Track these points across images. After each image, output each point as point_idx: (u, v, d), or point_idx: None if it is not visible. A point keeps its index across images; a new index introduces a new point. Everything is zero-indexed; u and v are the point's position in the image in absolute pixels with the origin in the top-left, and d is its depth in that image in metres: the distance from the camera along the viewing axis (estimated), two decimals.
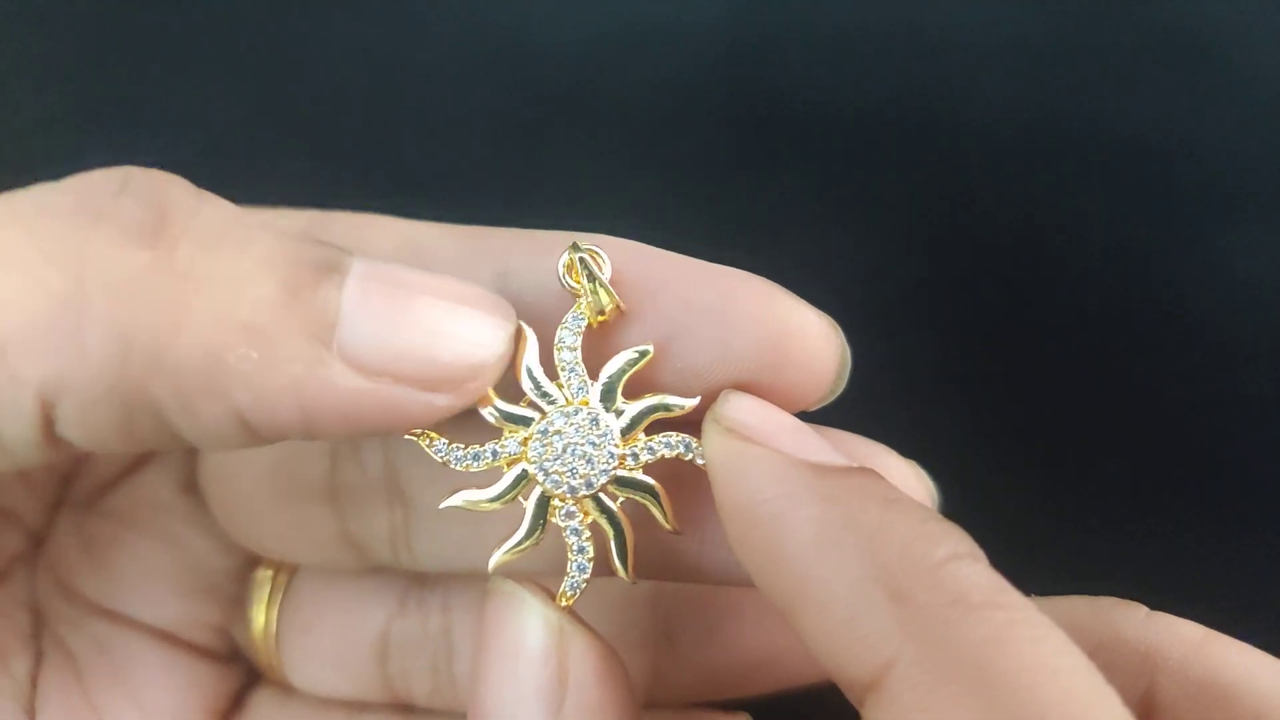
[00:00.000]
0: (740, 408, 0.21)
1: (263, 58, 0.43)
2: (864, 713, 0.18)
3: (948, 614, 0.17)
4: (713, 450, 0.20)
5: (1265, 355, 0.39)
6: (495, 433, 0.22)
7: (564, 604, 0.22)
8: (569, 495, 0.22)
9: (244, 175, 0.43)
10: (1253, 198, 0.39)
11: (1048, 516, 0.39)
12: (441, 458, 0.22)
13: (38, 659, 0.26)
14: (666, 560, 0.24)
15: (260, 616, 0.28)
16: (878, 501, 0.19)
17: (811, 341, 0.22)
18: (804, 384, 0.22)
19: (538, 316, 0.22)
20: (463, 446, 0.22)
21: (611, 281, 0.22)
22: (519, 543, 0.22)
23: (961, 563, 0.18)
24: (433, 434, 0.22)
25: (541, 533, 0.22)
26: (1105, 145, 0.40)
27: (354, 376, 0.19)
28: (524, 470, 0.22)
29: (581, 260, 0.21)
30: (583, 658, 0.21)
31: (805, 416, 0.23)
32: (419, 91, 0.42)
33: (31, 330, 0.18)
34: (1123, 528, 0.39)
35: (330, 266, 0.20)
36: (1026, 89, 0.40)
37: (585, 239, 0.22)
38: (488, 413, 0.22)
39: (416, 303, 0.20)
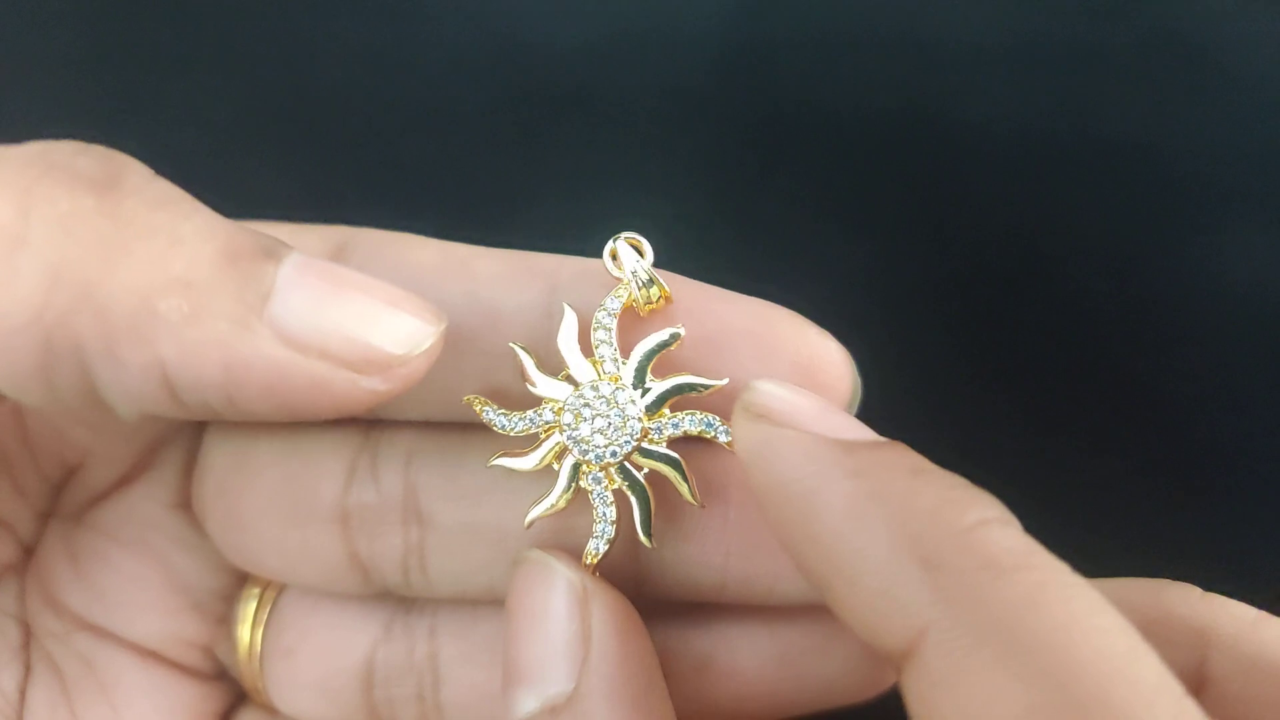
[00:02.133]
0: (767, 394, 0.21)
1: (264, 57, 0.43)
2: (902, 681, 0.18)
3: (979, 578, 0.17)
4: (743, 436, 0.21)
5: (1267, 355, 0.39)
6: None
7: (589, 563, 0.24)
8: (596, 462, 0.24)
9: (244, 174, 0.43)
10: (1251, 199, 0.39)
11: (1046, 515, 0.39)
12: (488, 419, 0.24)
13: (26, 672, 0.26)
14: (655, 573, 0.25)
15: (246, 636, 0.28)
16: (905, 472, 0.19)
17: (833, 369, 0.23)
18: None
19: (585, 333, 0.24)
20: (506, 413, 0.24)
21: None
22: (552, 504, 0.24)
23: (991, 527, 0.18)
24: (485, 400, 0.24)
25: (570, 495, 0.24)
26: (1104, 146, 0.40)
27: (281, 346, 0.20)
28: (558, 440, 0.24)
29: (625, 248, 0.23)
30: (605, 615, 0.22)
31: None
32: (420, 92, 0.42)
33: None
34: (1122, 526, 0.39)
35: (270, 250, 0.20)
36: (1025, 90, 0.40)
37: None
38: (527, 385, 0.24)
39: (349, 291, 0.20)
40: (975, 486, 0.19)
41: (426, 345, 0.21)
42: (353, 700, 0.27)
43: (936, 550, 0.18)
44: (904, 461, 0.20)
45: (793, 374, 0.23)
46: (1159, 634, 0.21)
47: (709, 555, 0.24)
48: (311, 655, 0.27)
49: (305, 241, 0.25)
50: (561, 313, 0.24)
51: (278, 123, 0.43)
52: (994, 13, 0.40)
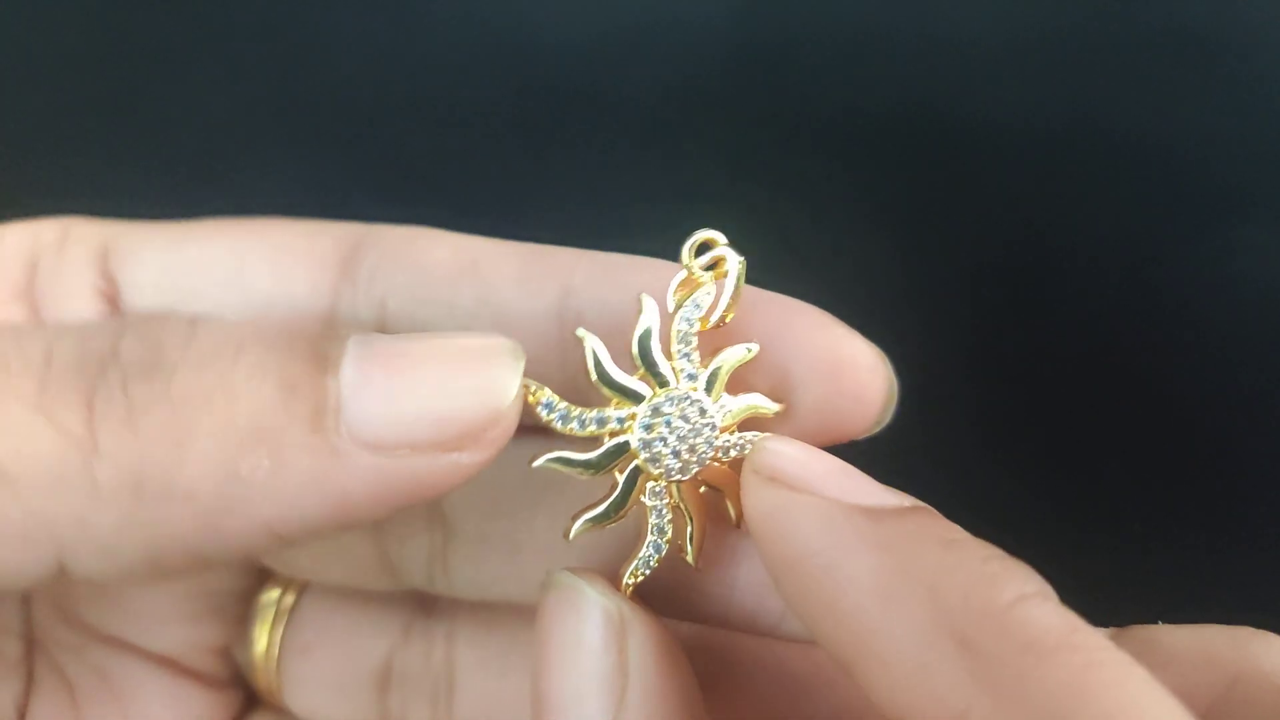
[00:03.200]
0: (780, 454, 0.20)
1: (265, 56, 0.43)
2: None
3: (1020, 661, 0.16)
4: (755, 503, 0.20)
5: (1272, 355, 0.39)
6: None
7: (632, 580, 0.22)
8: (665, 476, 0.22)
9: (244, 174, 0.43)
10: (1259, 198, 0.39)
11: (1049, 514, 0.39)
12: (546, 416, 0.22)
13: (28, 688, 0.26)
14: (694, 602, 0.24)
15: (263, 637, 0.27)
16: (936, 545, 0.18)
17: (862, 370, 0.22)
18: (854, 412, 0.22)
19: (599, 335, 0.22)
20: (570, 407, 0.22)
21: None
22: (604, 514, 0.22)
23: (1030, 603, 0.17)
24: (543, 387, 0.22)
25: (628, 508, 0.22)
26: (1110, 145, 0.40)
27: (370, 456, 0.19)
28: (625, 442, 0.22)
29: (731, 257, 0.22)
30: (643, 647, 0.21)
31: (849, 445, 0.22)
32: (423, 89, 0.42)
33: (45, 472, 0.18)
34: (1126, 526, 0.39)
35: (324, 354, 0.19)
36: (1036, 87, 0.40)
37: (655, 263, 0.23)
38: (600, 377, 0.22)
39: (416, 367, 0.19)
40: (1010, 557, 0.18)
41: (512, 393, 0.20)
42: (366, 701, 0.27)
43: (974, 630, 0.17)
44: (934, 531, 0.18)
45: (815, 377, 0.21)
46: (1244, 693, 0.20)
47: (713, 585, 0.23)
48: (330, 653, 0.27)
49: (321, 241, 0.24)
50: (578, 316, 0.22)
51: (279, 121, 0.42)
52: (1005, 9, 0.40)
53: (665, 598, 0.23)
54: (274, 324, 0.20)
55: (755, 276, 0.23)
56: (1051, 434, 0.40)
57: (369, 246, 0.24)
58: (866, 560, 0.18)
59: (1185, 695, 0.19)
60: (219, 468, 0.18)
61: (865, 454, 0.22)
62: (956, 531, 0.19)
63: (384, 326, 0.24)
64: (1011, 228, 0.40)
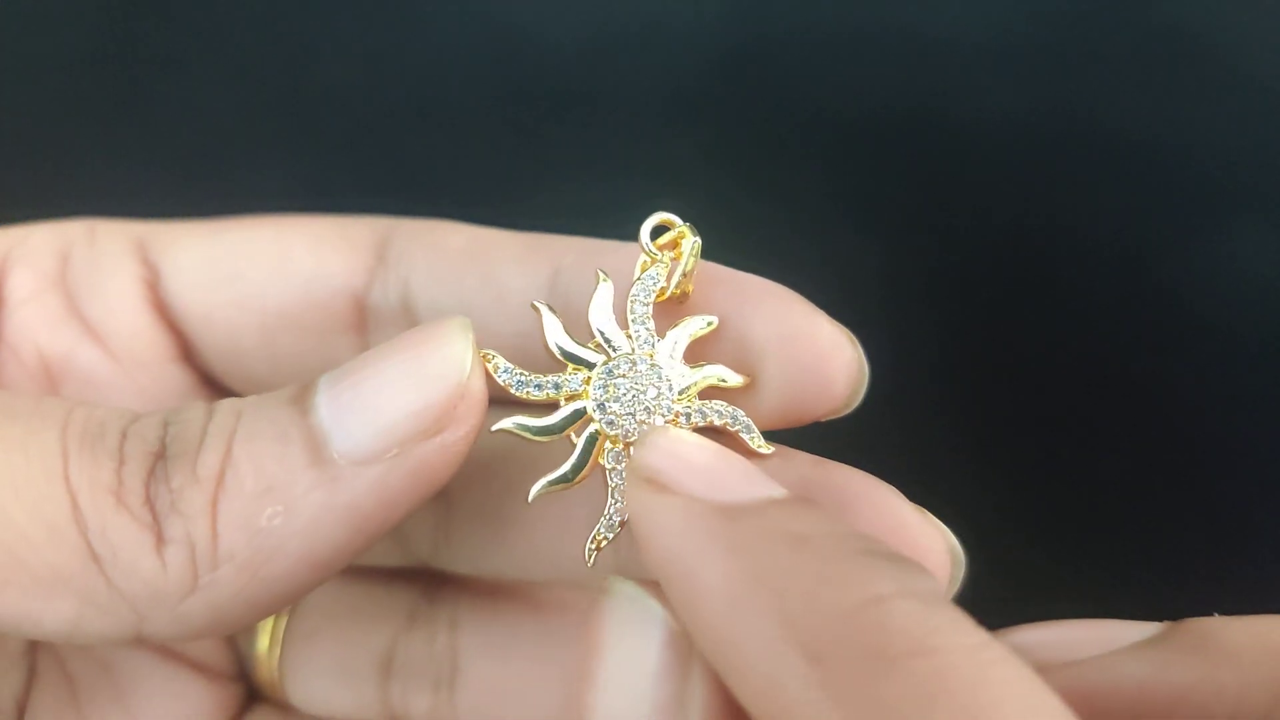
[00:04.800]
0: (654, 449, 0.19)
1: (263, 57, 0.43)
2: None
3: (866, 670, 0.15)
4: (631, 504, 0.19)
5: (1269, 354, 0.39)
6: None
7: (595, 545, 0.23)
8: (621, 438, 0.22)
9: (244, 174, 0.43)
10: (1253, 197, 0.39)
11: (1048, 514, 0.39)
12: (503, 380, 0.22)
13: (29, 682, 0.26)
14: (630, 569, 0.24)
15: (268, 625, 0.28)
16: (787, 544, 0.17)
17: (826, 347, 0.22)
18: (819, 390, 0.22)
19: (585, 311, 0.23)
20: (525, 373, 0.23)
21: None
22: (563, 476, 0.23)
23: (883, 606, 0.16)
24: (497, 355, 0.22)
25: (586, 470, 0.23)
26: (1106, 144, 0.40)
27: (366, 469, 0.20)
28: (581, 407, 0.22)
29: (684, 230, 0.22)
30: (705, 679, 0.20)
31: (821, 427, 0.23)
32: (420, 90, 0.42)
33: (128, 558, 0.20)
34: (1124, 526, 0.39)
35: (302, 398, 0.21)
36: (1027, 88, 0.40)
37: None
38: (554, 346, 0.23)
39: (378, 375, 0.21)
40: (877, 551, 0.17)
41: (469, 363, 0.21)
42: (369, 689, 0.27)
43: (818, 640, 0.16)
44: (788, 528, 0.17)
45: (771, 355, 0.22)
46: None
47: None
48: (333, 641, 0.27)
49: (356, 230, 0.26)
50: (566, 293, 0.23)
51: (278, 122, 0.43)
52: (998, 10, 0.40)
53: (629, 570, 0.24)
54: (263, 394, 0.22)
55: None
56: (1047, 434, 0.40)
57: (397, 232, 0.26)
58: (719, 565, 0.17)
59: (1244, 690, 0.19)
60: (245, 527, 0.20)
61: (868, 454, 0.22)
62: (816, 525, 0.17)
63: (407, 303, 0.25)
64: (1006, 228, 0.41)
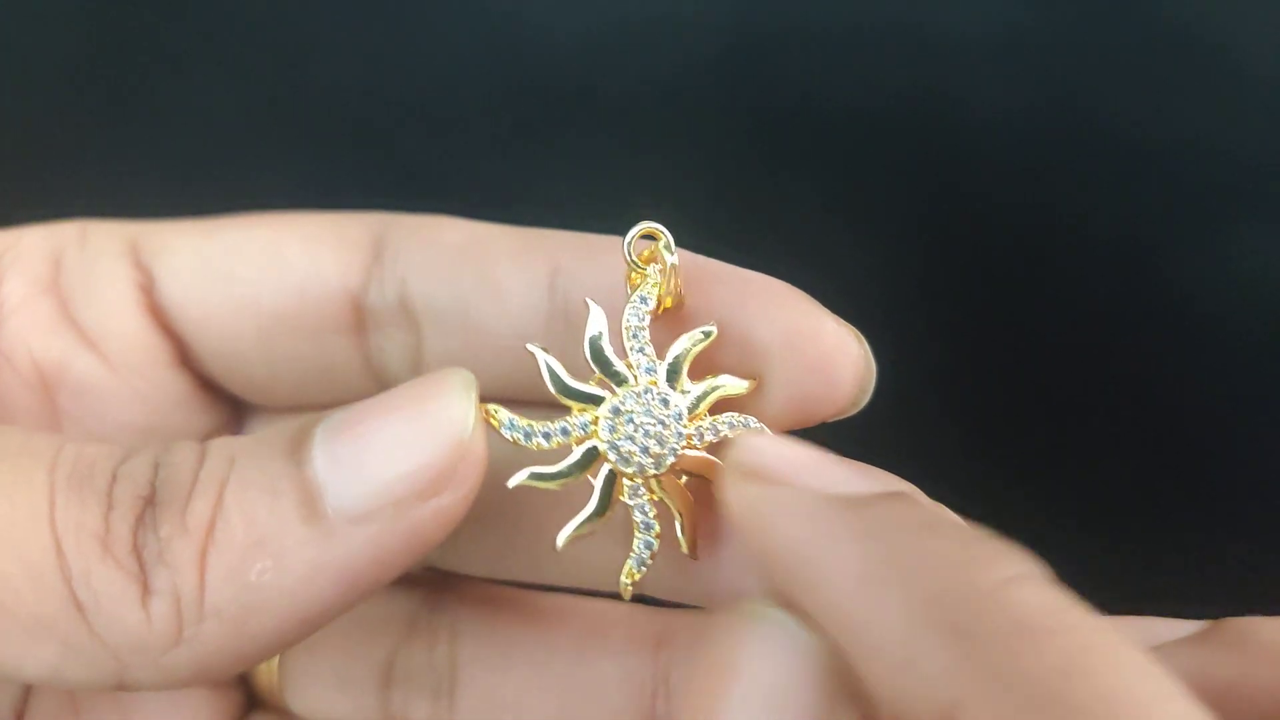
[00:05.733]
0: (757, 449, 0.20)
1: (264, 56, 0.43)
2: None
3: (1012, 645, 0.16)
4: (736, 499, 0.19)
5: (1271, 354, 0.39)
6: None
7: (629, 580, 0.23)
8: (638, 474, 0.22)
9: (244, 174, 0.43)
10: (1257, 196, 0.39)
11: (1048, 514, 0.39)
12: (511, 436, 0.22)
13: (27, 689, 0.26)
14: (683, 581, 0.24)
15: None
16: (919, 530, 0.18)
17: (830, 345, 0.21)
18: (825, 390, 0.22)
19: (583, 314, 0.23)
20: (531, 424, 0.22)
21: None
22: (589, 518, 0.22)
23: (1021, 585, 0.16)
24: (500, 409, 0.22)
25: (610, 510, 0.22)
26: (1109, 143, 0.40)
27: (360, 528, 0.20)
28: (593, 447, 0.22)
29: (664, 244, 0.22)
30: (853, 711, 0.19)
31: (824, 426, 0.22)
32: (421, 89, 0.42)
33: (113, 609, 0.19)
34: (1125, 526, 0.39)
35: (297, 449, 0.20)
36: (1030, 86, 0.40)
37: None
38: (556, 391, 0.22)
39: (376, 431, 0.20)
40: (997, 537, 0.18)
41: (471, 423, 0.20)
42: (368, 698, 0.27)
43: (963, 615, 0.16)
44: (916, 516, 0.18)
45: (776, 353, 0.21)
46: None
47: (698, 567, 0.23)
48: (333, 647, 0.27)
49: (351, 227, 0.25)
50: (565, 293, 0.23)
51: (278, 121, 0.43)
52: (1001, 7, 0.40)
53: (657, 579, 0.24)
54: (257, 436, 0.21)
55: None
56: (1050, 434, 0.40)
57: (393, 230, 0.25)
58: (849, 550, 0.18)
59: None
60: (233, 581, 0.19)
61: (870, 456, 0.22)
62: (940, 514, 0.18)
63: (404, 301, 0.25)
64: (1008, 227, 0.41)
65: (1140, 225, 0.40)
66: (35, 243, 0.26)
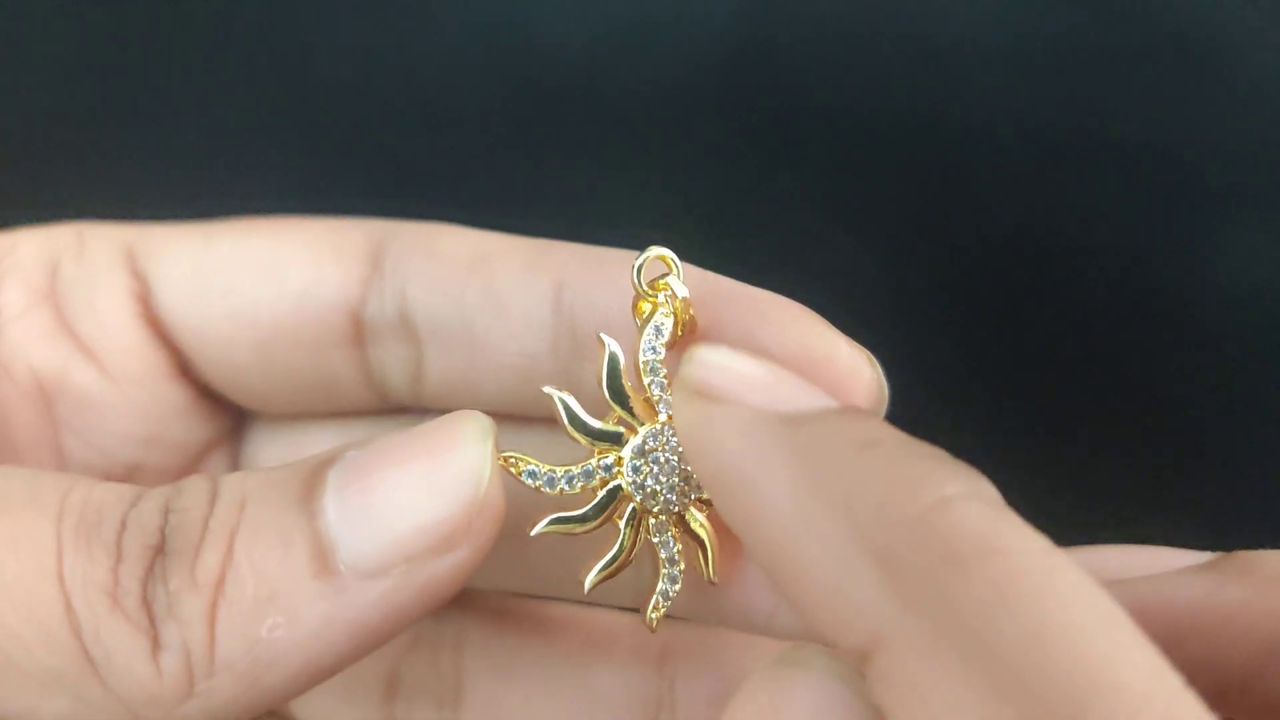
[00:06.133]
0: (705, 363, 0.19)
1: (264, 56, 0.43)
2: (868, 686, 0.16)
3: (938, 573, 0.15)
4: (679, 416, 0.19)
5: (1268, 355, 0.39)
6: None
7: (655, 615, 0.22)
8: (664, 511, 0.22)
9: (244, 174, 0.43)
10: (1259, 200, 0.39)
11: (1048, 515, 0.39)
12: (533, 484, 0.22)
13: None
14: (698, 603, 0.24)
15: None
16: (854, 447, 0.17)
17: (841, 372, 0.21)
18: None
19: (591, 330, 0.22)
20: (554, 470, 0.22)
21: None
22: (613, 561, 0.22)
23: (952, 506, 0.15)
24: (522, 458, 0.22)
25: (634, 551, 0.22)
26: (1109, 146, 0.40)
27: (373, 583, 0.19)
28: (617, 486, 0.22)
29: (674, 275, 0.21)
30: None
31: None
32: (422, 90, 0.42)
33: (125, 664, 0.19)
34: (1126, 526, 0.39)
35: (309, 494, 0.20)
36: (1030, 90, 0.40)
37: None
38: (577, 433, 0.22)
39: (389, 480, 0.20)
40: (940, 454, 0.17)
41: (488, 475, 0.20)
42: (373, 707, 0.27)
43: (888, 542, 0.15)
44: (852, 432, 0.17)
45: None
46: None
47: (714, 589, 0.23)
48: None
49: (351, 235, 0.25)
50: (571, 309, 0.23)
51: (278, 122, 0.42)
52: (1001, 11, 0.40)
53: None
54: (269, 475, 0.21)
55: (749, 277, 0.23)
56: (1050, 437, 0.40)
57: (393, 239, 0.25)
58: (783, 472, 0.17)
59: None
60: (244, 636, 0.19)
61: None
62: (879, 431, 0.17)
63: (404, 314, 0.24)
64: (1007, 230, 0.40)
65: (1140, 227, 0.40)
66: (32, 250, 0.26)
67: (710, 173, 0.41)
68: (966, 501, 0.16)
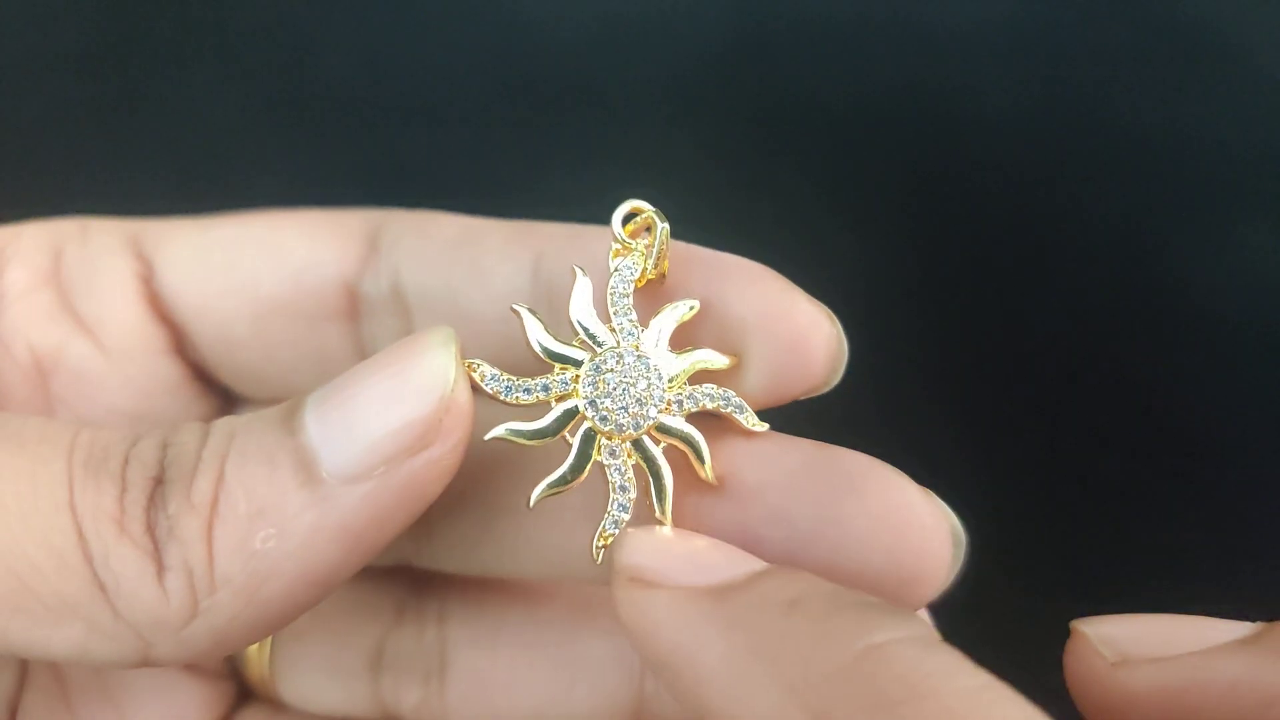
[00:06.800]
0: (635, 550, 0.20)
1: (264, 54, 0.43)
2: None
3: None
4: (620, 608, 0.20)
5: (1270, 353, 0.39)
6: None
7: (602, 543, 0.22)
8: (616, 433, 0.22)
9: (244, 173, 0.43)
10: (1259, 194, 0.39)
11: (1048, 511, 0.39)
12: (491, 389, 0.22)
13: (20, 682, 0.26)
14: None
15: None
16: (780, 610, 0.17)
17: (800, 325, 0.22)
18: (794, 368, 0.22)
19: (568, 297, 0.23)
20: (513, 378, 0.22)
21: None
22: (562, 477, 0.22)
23: (880, 653, 0.16)
24: (482, 363, 0.22)
25: (586, 470, 0.22)
26: (1109, 140, 0.40)
27: (356, 487, 0.20)
28: (573, 406, 0.22)
29: (651, 215, 0.22)
30: None
31: (806, 405, 0.23)
32: (421, 85, 0.42)
33: (133, 588, 0.20)
34: (1124, 523, 0.39)
35: (289, 419, 0.21)
36: (1031, 82, 0.40)
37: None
38: (538, 347, 0.22)
39: (363, 393, 0.21)
40: (868, 601, 0.17)
41: (453, 376, 0.21)
42: (359, 684, 0.27)
43: (820, 697, 0.16)
44: (779, 594, 0.18)
45: (748, 331, 0.22)
46: None
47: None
48: (323, 636, 0.27)
49: (349, 220, 0.26)
50: (549, 276, 0.23)
51: (278, 119, 0.43)
52: (1001, 3, 0.40)
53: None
54: (255, 413, 0.22)
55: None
56: (1049, 429, 0.40)
57: (390, 223, 0.26)
58: (717, 646, 0.17)
59: None
60: (239, 550, 0.20)
61: (874, 451, 0.22)
62: (806, 588, 0.18)
63: (397, 290, 0.25)
64: (1006, 222, 0.41)
65: (1141, 221, 0.40)
66: (36, 236, 0.27)
67: (706, 163, 0.41)
68: (896, 646, 0.16)
